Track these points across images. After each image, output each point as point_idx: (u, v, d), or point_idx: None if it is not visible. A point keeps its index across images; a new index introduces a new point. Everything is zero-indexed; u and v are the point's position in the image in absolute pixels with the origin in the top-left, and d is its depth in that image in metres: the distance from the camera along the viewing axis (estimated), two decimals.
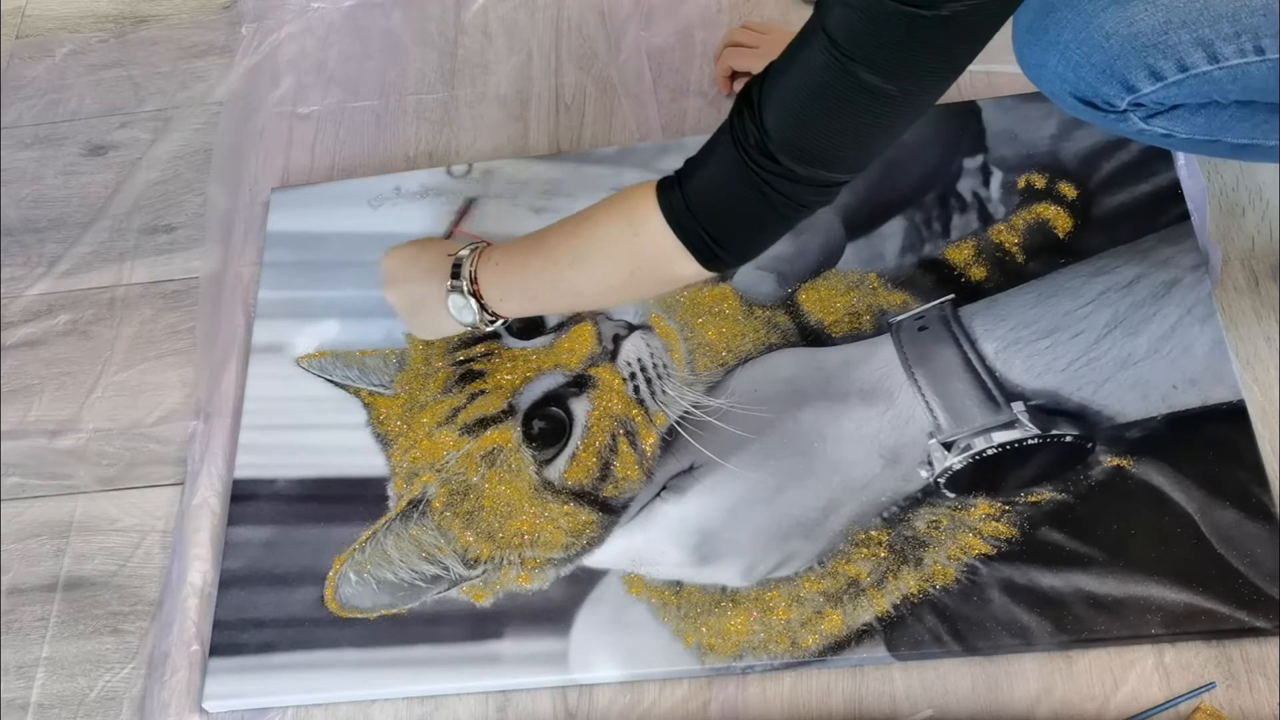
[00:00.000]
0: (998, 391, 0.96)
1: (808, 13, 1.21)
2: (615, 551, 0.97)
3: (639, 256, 0.84)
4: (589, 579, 0.96)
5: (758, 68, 1.14)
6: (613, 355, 1.04)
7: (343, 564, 1.00)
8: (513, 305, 0.95)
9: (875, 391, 0.99)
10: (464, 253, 0.96)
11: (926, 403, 0.97)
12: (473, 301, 0.94)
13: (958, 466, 0.94)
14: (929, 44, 0.68)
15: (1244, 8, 0.76)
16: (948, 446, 0.95)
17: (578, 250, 0.88)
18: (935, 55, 0.69)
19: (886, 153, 0.76)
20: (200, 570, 1.04)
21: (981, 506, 0.93)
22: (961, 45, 0.69)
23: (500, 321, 0.98)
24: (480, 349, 1.07)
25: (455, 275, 0.95)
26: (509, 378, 1.05)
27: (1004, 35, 1.17)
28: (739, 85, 1.18)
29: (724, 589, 0.94)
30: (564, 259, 0.89)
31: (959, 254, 1.04)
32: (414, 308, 1.01)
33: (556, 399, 1.03)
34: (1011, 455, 0.94)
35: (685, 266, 0.82)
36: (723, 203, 0.79)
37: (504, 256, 0.94)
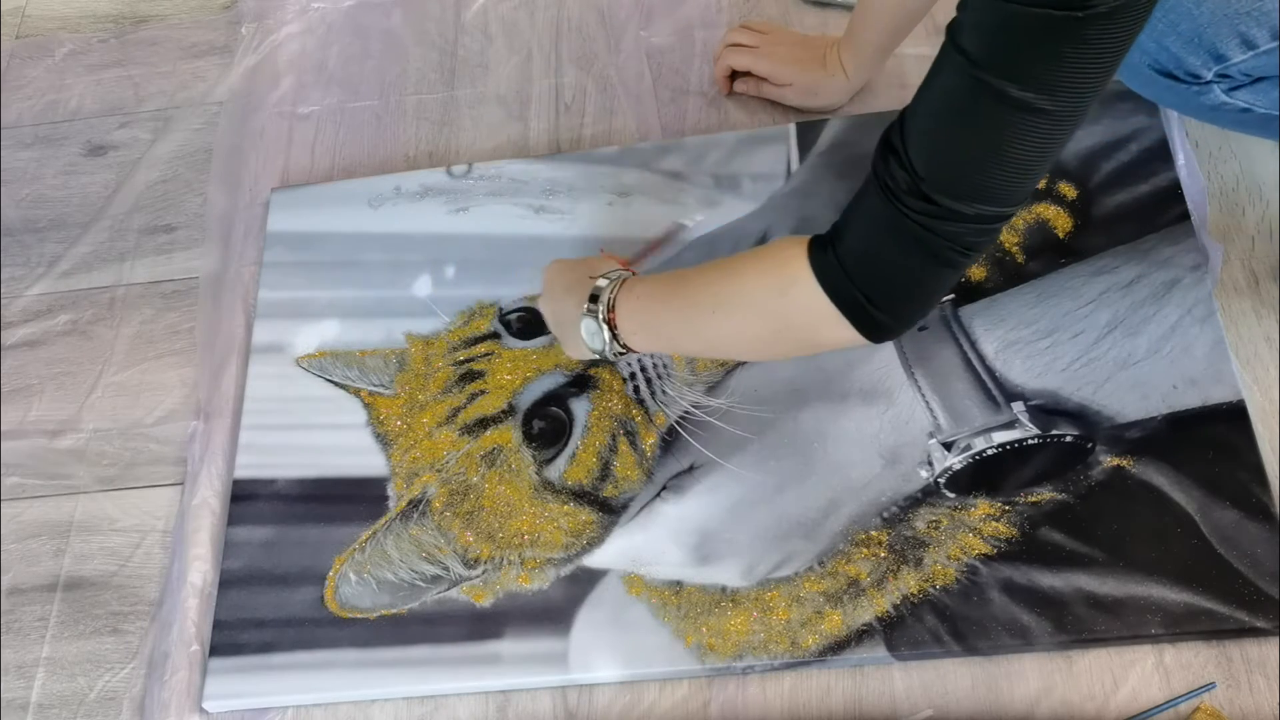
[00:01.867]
0: (998, 391, 0.96)
1: (808, 13, 1.23)
2: (615, 551, 0.97)
3: (786, 317, 0.79)
4: (589, 579, 0.96)
5: (758, 67, 1.16)
6: None
7: (343, 564, 1.00)
8: (644, 341, 0.91)
9: (875, 391, 0.99)
10: (603, 281, 0.91)
11: (926, 403, 0.97)
12: (605, 330, 0.90)
13: (958, 466, 0.94)
14: (1075, 46, 0.62)
15: None
16: (948, 446, 0.95)
17: (720, 300, 0.82)
18: (1084, 58, 0.62)
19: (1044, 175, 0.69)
20: (200, 570, 1.04)
21: (981, 506, 0.93)
22: (1111, 43, 0.62)
23: (628, 355, 0.93)
24: (480, 349, 1.07)
25: (593, 300, 0.91)
26: (509, 378, 1.05)
27: None
28: (739, 86, 1.18)
29: (724, 589, 0.94)
30: (706, 306, 0.83)
31: None
32: (559, 323, 0.98)
33: (556, 399, 1.03)
34: (1011, 455, 0.94)
35: (838, 332, 0.76)
36: (880, 260, 0.73)
37: (645, 291, 0.89)
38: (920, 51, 1.17)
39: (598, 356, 0.93)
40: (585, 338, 0.92)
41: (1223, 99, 0.82)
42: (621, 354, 0.92)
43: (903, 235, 0.71)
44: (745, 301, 0.81)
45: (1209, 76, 0.80)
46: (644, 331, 0.90)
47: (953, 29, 0.66)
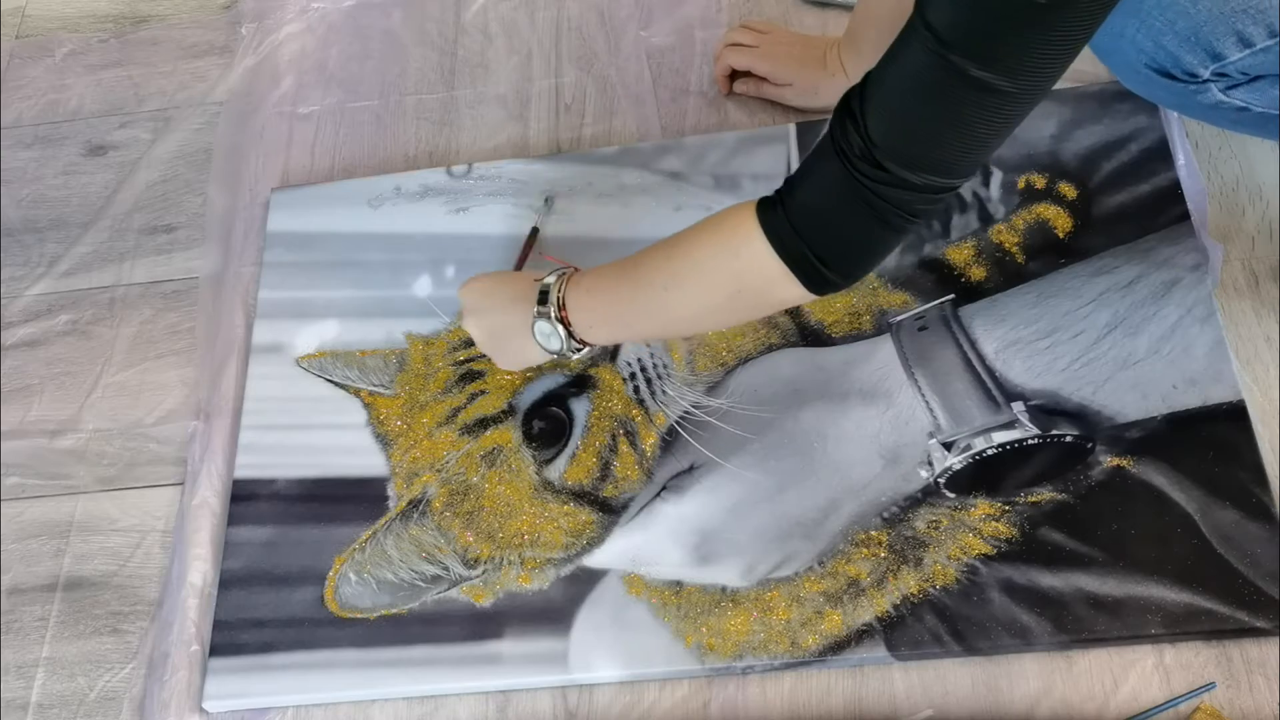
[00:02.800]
0: (998, 391, 0.96)
1: (808, 13, 1.23)
2: (615, 551, 0.97)
3: (740, 280, 0.80)
4: (589, 579, 0.96)
5: (758, 67, 1.16)
6: (613, 355, 1.04)
7: (343, 564, 1.00)
8: (603, 332, 0.92)
9: (875, 391, 0.99)
10: (550, 279, 0.92)
11: (926, 403, 0.97)
12: (560, 328, 0.91)
13: (958, 466, 0.94)
14: (1040, 31, 0.63)
15: None
16: (948, 446, 0.95)
17: (674, 274, 0.84)
18: (1047, 43, 0.64)
19: (994, 154, 0.71)
20: (200, 570, 1.04)
21: (981, 506, 0.93)
22: (1074, 30, 0.64)
23: (586, 350, 0.94)
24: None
25: (542, 301, 0.91)
26: (509, 378, 1.04)
27: None
28: (739, 86, 1.18)
29: (724, 589, 0.94)
30: (659, 283, 0.85)
31: (959, 254, 1.04)
32: (497, 337, 0.99)
33: (556, 399, 1.03)
34: (1011, 455, 0.94)
35: (789, 289, 0.78)
36: (829, 219, 0.75)
37: (594, 282, 0.90)
38: None
39: (549, 359, 0.94)
40: (540, 340, 0.93)
41: (1220, 98, 0.82)
42: (578, 350, 0.93)
43: (852, 198, 0.72)
44: (699, 271, 0.82)
45: (1206, 75, 0.80)
46: (600, 323, 0.91)
47: (921, 4, 0.67)
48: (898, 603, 0.91)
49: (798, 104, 1.15)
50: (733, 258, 0.80)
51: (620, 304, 0.89)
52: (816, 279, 0.77)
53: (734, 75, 1.18)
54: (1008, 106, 0.67)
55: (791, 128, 1.14)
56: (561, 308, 0.91)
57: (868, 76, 0.71)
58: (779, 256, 0.77)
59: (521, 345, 0.95)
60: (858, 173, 0.71)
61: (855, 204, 0.73)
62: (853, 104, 0.71)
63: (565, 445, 1.01)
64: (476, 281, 1.01)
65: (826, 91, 1.13)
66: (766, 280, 0.79)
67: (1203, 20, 0.77)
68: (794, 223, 0.76)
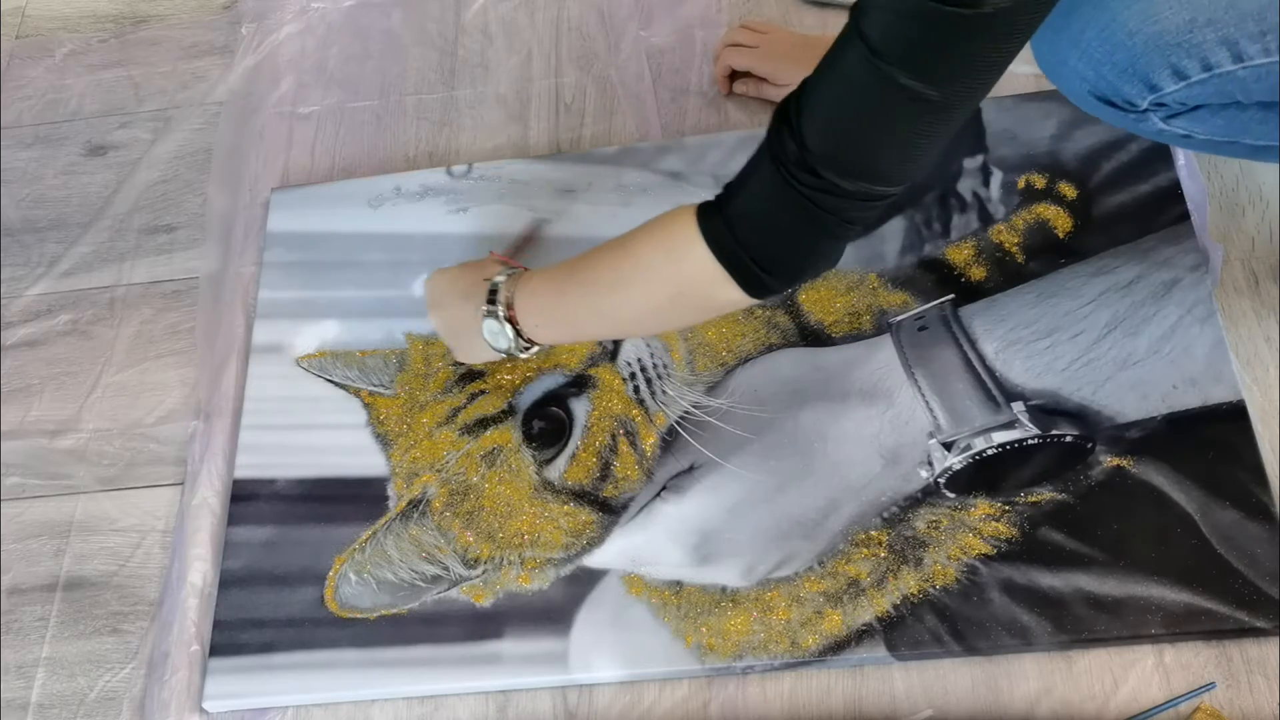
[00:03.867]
0: (998, 391, 0.96)
1: (808, 13, 1.23)
2: (615, 551, 0.97)
3: (681, 284, 0.81)
4: (589, 579, 0.96)
5: (758, 68, 1.16)
6: (613, 355, 1.04)
7: (343, 564, 1.00)
8: (549, 332, 0.93)
9: (875, 391, 0.99)
10: (500, 278, 0.93)
11: (926, 403, 0.97)
12: (508, 328, 0.92)
13: (958, 466, 0.94)
14: (971, 44, 0.64)
15: (1269, 6, 0.74)
16: (948, 446, 0.95)
17: (618, 276, 0.85)
18: (978, 55, 0.65)
19: (933, 163, 0.72)
20: (200, 570, 1.04)
21: (981, 506, 0.93)
22: (1005, 43, 0.65)
23: (535, 349, 0.95)
24: None
25: (491, 301, 0.93)
26: (509, 378, 1.05)
27: None
28: (739, 86, 1.18)
29: (724, 589, 0.94)
30: (603, 285, 0.86)
31: (959, 254, 1.04)
32: (452, 330, 1.00)
33: (556, 399, 1.03)
34: (1011, 455, 0.94)
35: (729, 293, 0.79)
36: (767, 225, 0.76)
37: (541, 283, 0.91)
38: None
39: (501, 356, 0.96)
40: (488, 338, 0.94)
41: (1160, 126, 0.84)
42: (526, 349, 0.94)
43: (789, 204, 0.73)
44: (642, 273, 0.83)
45: (1145, 105, 0.81)
46: (547, 322, 0.92)
47: (856, 13, 0.68)
48: (898, 603, 0.91)
49: None
50: (674, 262, 0.81)
51: (566, 304, 0.90)
52: (755, 283, 0.78)
53: (734, 75, 1.18)
54: (939, 116, 0.68)
55: None
56: (509, 307, 0.92)
57: (804, 84, 0.72)
58: (719, 261, 0.78)
59: (472, 341, 0.97)
60: (793, 179, 0.72)
61: (791, 210, 0.73)
62: (789, 111, 0.72)
63: (565, 445, 1.01)
64: (437, 275, 1.03)
65: None
66: (707, 283, 0.79)
67: (1138, 53, 0.78)
68: (732, 228, 0.77)
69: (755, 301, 0.80)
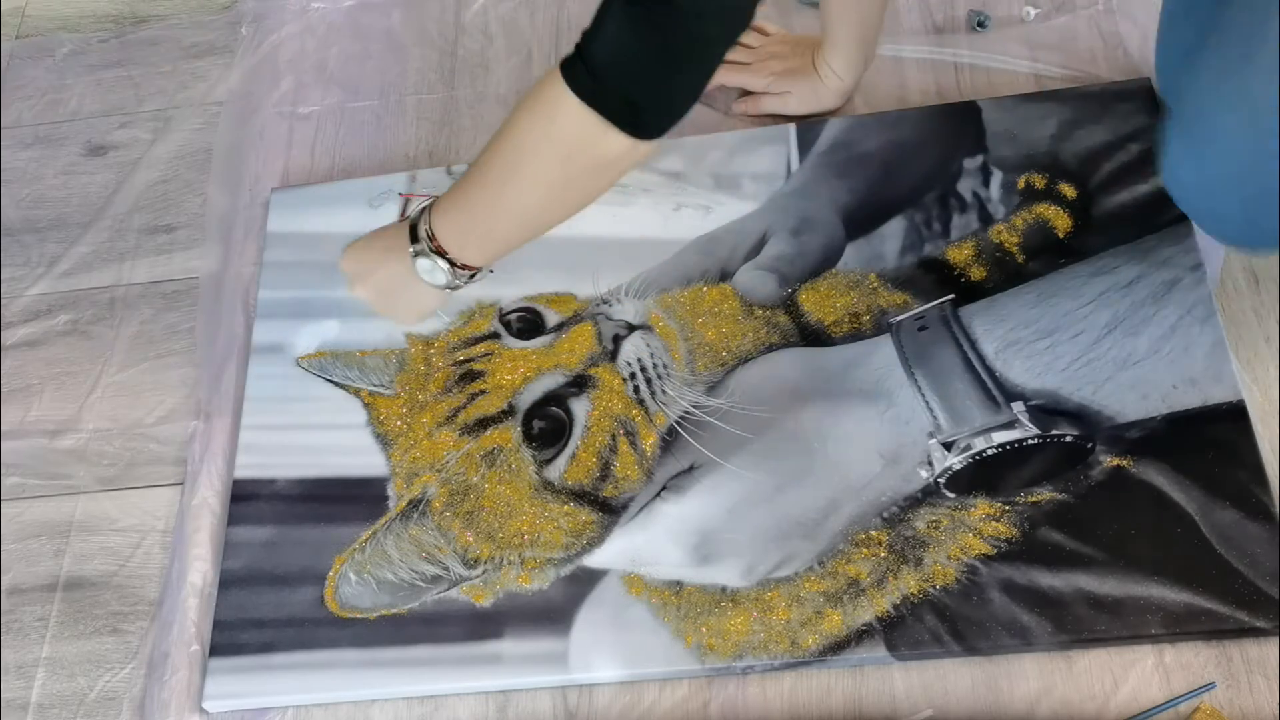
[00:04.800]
0: (998, 391, 0.96)
1: (808, 15, 1.23)
2: (615, 551, 0.97)
3: (565, 146, 0.80)
4: (589, 579, 0.96)
5: (754, 84, 1.15)
6: (613, 355, 1.04)
7: (343, 564, 1.00)
8: (474, 250, 0.90)
9: (875, 391, 0.99)
10: (416, 215, 0.91)
11: (926, 403, 0.97)
12: (439, 260, 0.89)
13: (958, 466, 0.94)
14: None
15: None
16: (948, 446, 0.95)
17: (506, 163, 0.83)
18: None
19: None
20: (200, 570, 1.04)
21: (981, 506, 0.93)
22: None
23: (475, 275, 0.92)
24: (480, 349, 1.07)
25: (414, 239, 0.90)
26: (509, 378, 1.04)
27: (1007, 31, 1.17)
28: (738, 106, 1.17)
29: (724, 589, 0.94)
30: (497, 177, 0.84)
31: (959, 254, 1.04)
32: (385, 293, 0.97)
33: (556, 399, 1.03)
34: (1011, 455, 0.94)
35: (613, 142, 0.78)
36: (630, 62, 0.75)
37: (449, 200, 0.89)
38: (920, 53, 1.17)
39: (444, 297, 0.93)
40: (424, 277, 0.90)
41: None
42: (469, 277, 0.91)
43: (646, 36, 0.73)
44: (526, 150, 0.82)
45: None
46: (467, 239, 0.89)
47: None
48: (898, 603, 0.91)
49: (801, 111, 1.14)
50: (550, 124, 0.79)
51: (475, 212, 0.87)
52: (634, 122, 0.77)
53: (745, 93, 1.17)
54: None
55: (791, 128, 1.14)
56: (432, 238, 0.89)
57: None
58: (591, 109, 0.76)
59: (412, 293, 0.93)
60: (645, 8, 0.72)
61: (651, 41, 0.73)
62: None
63: (565, 445, 1.01)
64: (349, 249, 0.99)
65: (826, 95, 1.13)
66: (588, 138, 0.78)
67: None
68: (594, 73, 0.76)
69: (645, 149, 0.79)
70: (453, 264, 0.89)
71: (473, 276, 0.92)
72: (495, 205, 0.86)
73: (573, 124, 0.78)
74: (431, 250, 0.89)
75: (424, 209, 0.90)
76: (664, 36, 0.73)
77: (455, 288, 0.92)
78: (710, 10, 0.72)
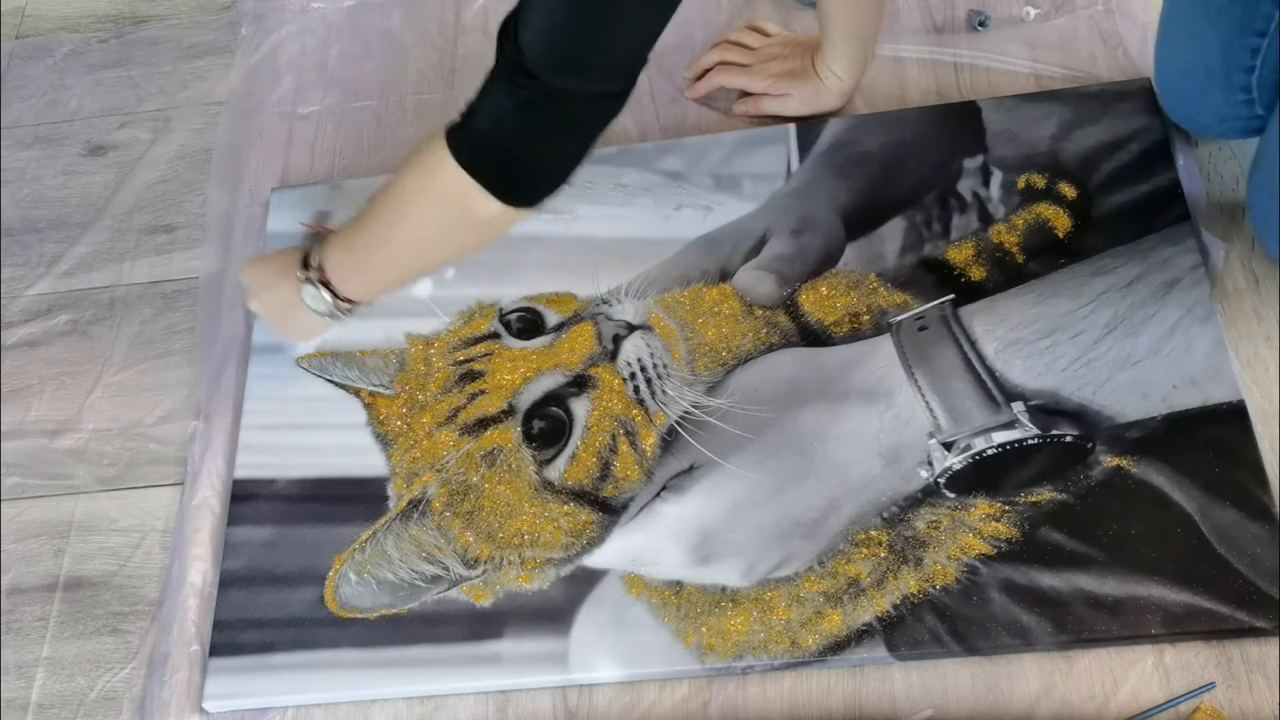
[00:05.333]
0: (998, 391, 0.96)
1: (807, 17, 1.23)
2: (615, 551, 0.97)
3: (443, 204, 0.85)
4: (589, 579, 0.96)
5: (753, 85, 1.15)
6: (613, 355, 1.04)
7: (343, 564, 1.00)
8: (357, 285, 0.95)
9: (875, 391, 0.99)
10: (311, 245, 0.96)
11: (926, 403, 0.97)
12: (324, 291, 0.94)
13: (958, 466, 0.94)
14: None
15: None
16: (948, 446, 0.95)
17: (390, 211, 0.88)
18: None
19: (646, 57, 0.78)
20: (200, 570, 1.04)
21: (981, 506, 0.93)
22: None
23: (355, 308, 0.96)
24: (480, 349, 1.07)
25: (305, 266, 0.95)
26: (509, 378, 1.04)
27: (1007, 31, 1.17)
28: (739, 107, 1.17)
29: (724, 589, 0.94)
30: (381, 223, 0.89)
31: (959, 254, 1.04)
32: (278, 311, 1.01)
33: (556, 399, 1.03)
34: (1011, 455, 0.94)
35: (487, 206, 0.82)
36: (504, 132, 0.80)
37: (339, 237, 0.94)
38: (920, 53, 1.17)
39: (328, 325, 0.97)
40: (308, 303, 0.95)
41: None
42: (348, 310, 0.95)
43: (518, 110, 0.78)
44: (409, 201, 0.87)
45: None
46: (351, 275, 0.94)
47: None
48: (898, 603, 0.91)
49: (802, 112, 1.14)
50: (429, 182, 0.84)
51: (360, 251, 0.93)
52: (506, 190, 0.82)
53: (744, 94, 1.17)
54: (624, 2, 0.74)
55: (791, 128, 1.14)
56: (320, 269, 0.94)
57: (520, 0, 0.76)
58: (467, 173, 0.81)
59: (299, 316, 0.98)
60: (517, 84, 0.76)
61: (523, 116, 0.78)
62: (512, 23, 0.76)
63: (565, 445, 1.01)
64: (250, 264, 1.04)
65: (827, 96, 1.13)
66: (464, 198, 0.82)
67: None
68: (473, 139, 0.80)
69: (518, 215, 0.84)
70: (336, 295, 0.94)
71: (352, 309, 0.96)
72: (378, 248, 0.91)
73: (450, 185, 0.82)
74: (317, 280, 0.94)
75: (319, 240, 0.96)
76: (538, 113, 0.77)
77: (336, 318, 0.97)
78: (582, 92, 0.77)
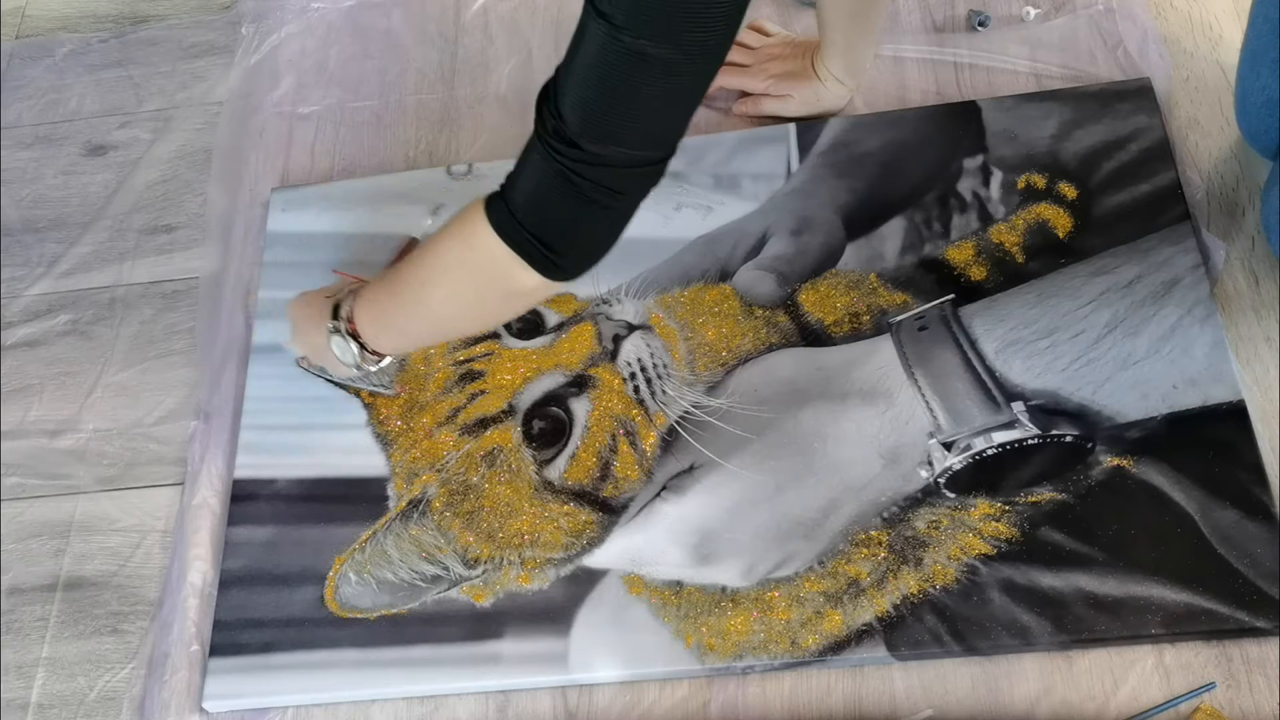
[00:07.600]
0: (998, 391, 0.96)
1: (807, 16, 1.23)
2: (615, 551, 0.97)
3: (480, 274, 0.84)
4: (589, 579, 0.96)
5: (754, 86, 1.15)
6: (613, 355, 1.04)
7: (343, 564, 1.00)
8: (386, 341, 0.95)
9: (875, 391, 0.99)
10: (344, 294, 0.96)
11: (926, 403, 0.97)
12: (352, 343, 0.95)
13: (958, 466, 0.94)
14: (692, 12, 0.68)
15: None
16: (948, 446, 0.95)
17: (426, 276, 0.88)
18: (689, 13, 0.68)
19: (685, 126, 0.76)
20: (200, 570, 1.04)
21: (981, 506, 0.93)
22: (722, 11, 0.69)
23: (384, 361, 0.97)
24: (480, 349, 1.07)
25: (335, 316, 0.95)
26: (509, 378, 1.05)
27: (1007, 31, 1.17)
28: (738, 107, 1.17)
29: (724, 589, 0.94)
30: (415, 285, 0.89)
31: (959, 254, 1.04)
32: (315, 354, 1.03)
33: (556, 399, 1.03)
34: (1011, 455, 0.94)
35: (525, 278, 0.81)
36: (543, 204, 0.79)
37: (372, 291, 0.94)
38: (920, 53, 1.17)
39: (358, 373, 0.98)
40: (337, 354, 0.96)
41: None
42: (376, 363, 0.96)
43: (558, 180, 0.76)
44: (444, 268, 0.87)
45: None
46: (381, 331, 0.94)
47: None
48: (898, 603, 0.91)
49: (802, 113, 1.14)
50: (468, 251, 0.84)
51: (391, 310, 0.93)
52: (546, 264, 0.81)
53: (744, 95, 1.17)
54: (669, 75, 0.71)
55: (791, 128, 1.14)
56: (350, 321, 0.95)
57: (559, 69, 0.75)
58: (507, 245, 0.80)
59: (333, 361, 0.99)
60: (557, 154, 0.75)
61: (562, 185, 0.76)
62: (549, 88, 0.75)
63: (565, 445, 1.01)
64: (295, 301, 1.06)
65: (827, 97, 1.13)
66: (502, 271, 0.82)
67: None
68: (514, 211, 0.80)
69: (557, 287, 0.83)
70: (364, 347, 0.95)
71: (377, 362, 0.97)
72: (412, 309, 0.91)
73: (488, 254, 0.82)
74: (346, 332, 0.95)
75: (353, 291, 0.96)
76: (576, 185, 0.76)
77: (361, 370, 0.97)
78: (620, 162, 0.75)
